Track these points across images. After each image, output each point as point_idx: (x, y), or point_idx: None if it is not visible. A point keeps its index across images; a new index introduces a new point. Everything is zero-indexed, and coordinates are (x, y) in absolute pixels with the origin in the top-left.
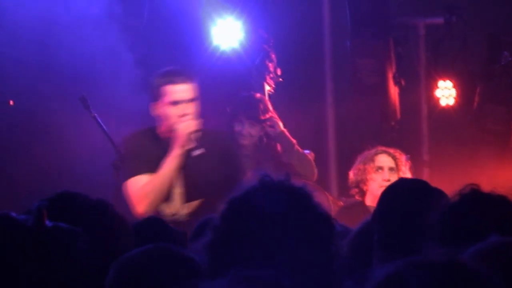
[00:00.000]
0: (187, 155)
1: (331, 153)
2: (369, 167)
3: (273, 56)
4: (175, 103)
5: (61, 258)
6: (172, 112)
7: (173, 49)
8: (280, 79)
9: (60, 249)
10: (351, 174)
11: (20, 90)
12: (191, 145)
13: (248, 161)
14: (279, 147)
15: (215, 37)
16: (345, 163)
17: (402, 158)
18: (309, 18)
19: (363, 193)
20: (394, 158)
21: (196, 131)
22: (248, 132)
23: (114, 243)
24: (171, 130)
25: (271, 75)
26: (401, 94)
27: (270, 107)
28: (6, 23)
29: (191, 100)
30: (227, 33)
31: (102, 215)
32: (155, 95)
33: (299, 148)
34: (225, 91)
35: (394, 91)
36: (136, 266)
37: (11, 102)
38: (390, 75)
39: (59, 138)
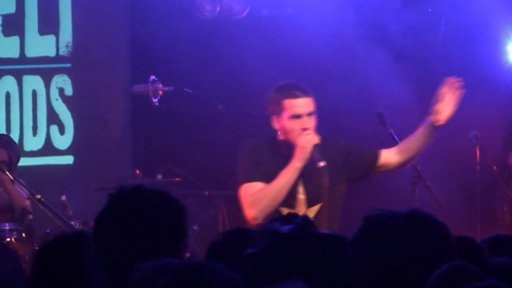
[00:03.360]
0: (308, 165)
1: None
2: None
3: None
4: (295, 117)
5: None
6: (293, 126)
7: (468, 64)
8: None
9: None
10: None
11: None
12: (314, 157)
13: None
14: None
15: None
16: None
17: None
18: None
19: None
20: None
21: (317, 144)
22: None
23: None
24: (291, 144)
25: None
26: None
27: None
28: None
29: (311, 113)
30: None
31: None
32: (275, 109)
33: None
34: None
35: None
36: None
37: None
38: None
39: None
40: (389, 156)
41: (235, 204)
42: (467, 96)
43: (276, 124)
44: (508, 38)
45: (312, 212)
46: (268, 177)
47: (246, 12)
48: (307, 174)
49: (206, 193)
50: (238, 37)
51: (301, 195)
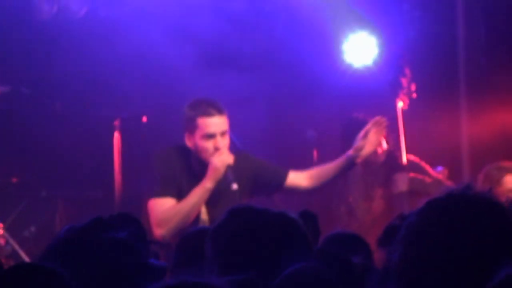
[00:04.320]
0: (217, 185)
1: (464, 170)
2: (496, 191)
3: (407, 71)
4: (209, 136)
5: None
6: (205, 145)
7: (304, 64)
8: (414, 95)
9: None
10: None
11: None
12: (227, 179)
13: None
14: None
15: (347, 54)
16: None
17: None
18: (443, 34)
19: None
20: None
21: (230, 164)
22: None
23: None
24: (204, 162)
25: (405, 91)
26: None
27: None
28: None
29: (225, 132)
30: (360, 49)
31: None
32: (188, 127)
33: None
34: (359, 110)
35: None
36: None
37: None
38: None
39: None
40: (298, 180)
41: (73, 204)
42: (303, 96)
43: (188, 142)
44: (343, 37)
45: None
46: (179, 194)
47: (84, 11)
48: (214, 194)
49: (44, 193)
50: (77, 37)
51: (204, 215)
